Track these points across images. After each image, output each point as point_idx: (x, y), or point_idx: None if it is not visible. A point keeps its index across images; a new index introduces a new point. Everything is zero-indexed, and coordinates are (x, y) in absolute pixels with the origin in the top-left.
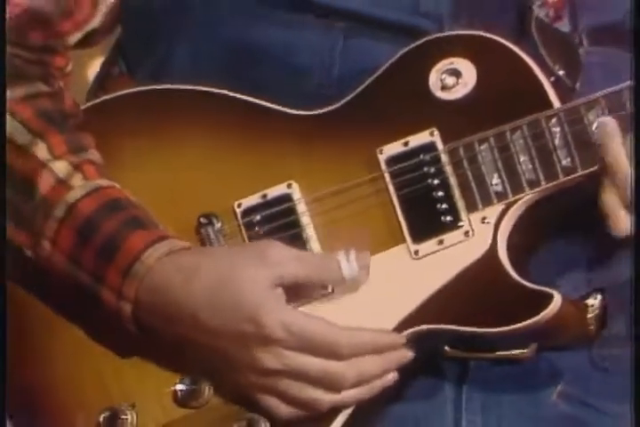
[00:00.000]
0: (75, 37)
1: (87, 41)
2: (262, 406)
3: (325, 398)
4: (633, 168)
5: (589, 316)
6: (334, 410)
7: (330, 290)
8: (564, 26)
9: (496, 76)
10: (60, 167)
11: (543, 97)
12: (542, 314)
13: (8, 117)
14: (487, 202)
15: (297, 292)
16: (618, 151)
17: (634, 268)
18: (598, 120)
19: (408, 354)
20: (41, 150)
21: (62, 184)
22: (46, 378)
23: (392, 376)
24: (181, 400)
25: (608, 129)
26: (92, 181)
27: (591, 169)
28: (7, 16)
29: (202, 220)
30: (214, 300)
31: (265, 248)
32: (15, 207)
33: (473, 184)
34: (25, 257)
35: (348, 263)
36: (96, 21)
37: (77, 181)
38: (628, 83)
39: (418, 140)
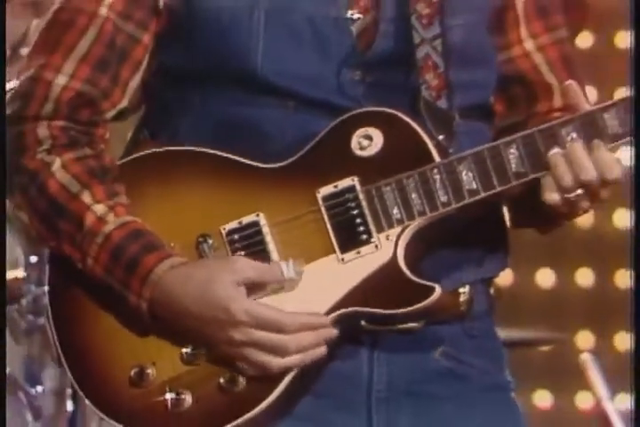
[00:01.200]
0: (111, 114)
1: (120, 116)
2: (236, 367)
3: (274, 361)
4: (633, 172)
5: (461, 300)
6: (283, 371)
7: (283, 286)
8: (442, 104)
9: (396, 140)
10: (99, 208)
11: (428, 154)
12: (428, 300)
13: (63, 172)
14: (390, 225)
15: (258, 288)
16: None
17: (634, 268)
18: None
19: (334, 332)
20: (87, 197)
21: (101, 220)
22: (97, 347)
23: (323, 348)
24: (186, 361)
25: (552, 153)
26: (121, 218)
27: (462, 203)
28: (64, 98)
29: (200, 239)
30: (201, 297)
31: (233, 262)
32: (70, 234)
33: (380, 214)
34: (77, 265)
35: (287, 269)
36: (125, 102)
37: (111, 218)
38: (488, 145)
39: (344, 184)
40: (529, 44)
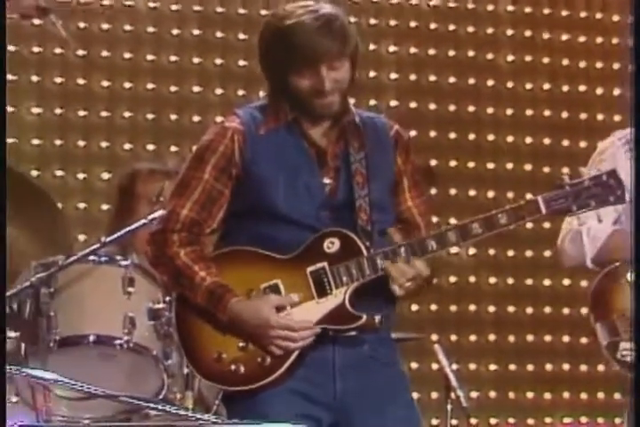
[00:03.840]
0: (208, 230)
1: (213, 232)
2: (267, 350)
3: (290, 345)
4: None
5: (376, 322)
6: (293, 351)
7: (298, 301)
8: (368, 228)
9: (346, 244)
10: (202, 274)
11: (361, 252)
12: (359, 322)
13: (185, 257)
14: (342, 285)
15: (280, 310)
16: None
17: (634, 270)
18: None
19: (317, 330)
20: (196, 268)
21: (203, 279)
22: (198, 340)
23: (311, 339)
24: (241, 349)
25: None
26: (213, 278)
27: (377, 275)
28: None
29: (248, 291)
30: (252, 315)
31: (268, 298)
32: (187, 285)
33: (338, 279)
34: (190, 301)
35: (292, 298)
36: (215, 225)
37: (208, 278)
38: (386, 248)
39: (319, 266)
40: (409, 203)
